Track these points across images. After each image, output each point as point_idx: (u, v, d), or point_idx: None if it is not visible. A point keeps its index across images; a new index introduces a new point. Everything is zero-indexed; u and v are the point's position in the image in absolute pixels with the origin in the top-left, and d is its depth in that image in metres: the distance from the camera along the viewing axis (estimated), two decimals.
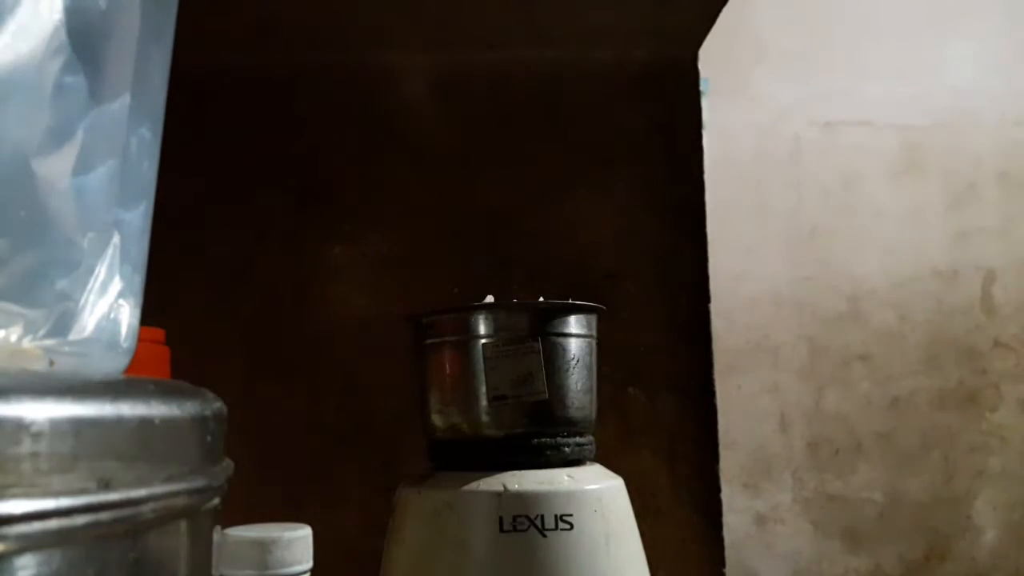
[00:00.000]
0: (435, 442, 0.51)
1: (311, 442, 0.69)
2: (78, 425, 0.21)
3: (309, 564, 0.36)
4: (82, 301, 0.27)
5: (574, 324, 0.49)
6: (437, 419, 0.50)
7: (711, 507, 0.71)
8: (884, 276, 1.47)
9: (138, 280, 0.32)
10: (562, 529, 0.43)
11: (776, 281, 1.45)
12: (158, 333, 0.51)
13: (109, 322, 0.29)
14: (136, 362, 0.33)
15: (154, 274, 0.34)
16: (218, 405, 0.29)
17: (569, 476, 0.46)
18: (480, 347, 0.48)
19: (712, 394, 0.72)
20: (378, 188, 0.73)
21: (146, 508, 0.23)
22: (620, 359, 0.71)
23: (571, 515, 0.43)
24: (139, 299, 0.32)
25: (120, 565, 0.22)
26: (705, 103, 0.77)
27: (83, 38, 0.27)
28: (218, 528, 0.30)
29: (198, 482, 0.26)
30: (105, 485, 0.21)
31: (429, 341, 0.50)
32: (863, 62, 1.49)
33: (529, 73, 0.75)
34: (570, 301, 0.49)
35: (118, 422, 0.22)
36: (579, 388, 0.49)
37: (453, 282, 0.71)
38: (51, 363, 0.26)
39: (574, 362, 0.48)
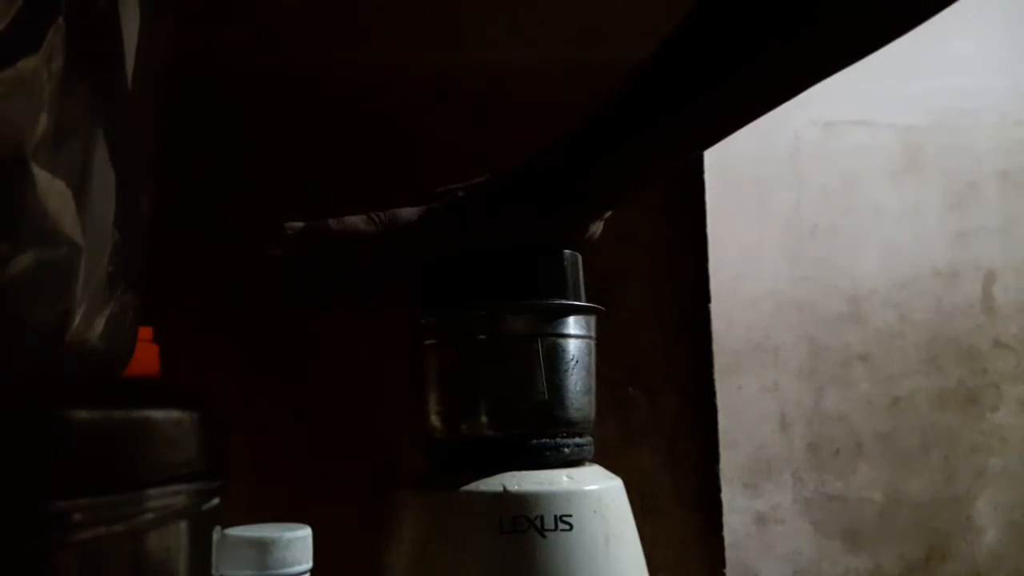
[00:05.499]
0: (434, 443, 0.51)
1: (311, 442, 0.69)
2: (77, 426, 0.21)
3: (309, 564, 0.36)
4: (82, 301, 0.27)
5: (573, 324, 0.49)
6: (436, 420, 0.50)
7: (711, 507, 0.71)
8: (884, 276, 1.47)
9: (138, 281, 0.32)
10: (561, 530, 0.43)
11: (776, 281, 1.45)
12: (146, 331, 0.50)
13: (109, 322, 0.29)
14: (136, 362, 0.33)
15: (154, 275, 0.34)
16: (218, 406, 0.29)
17: (569, 477, 0.46)
18: (480, 347, 0.48)
19: (712, 394, 0.72)
20: (377, 188, 0.73)
21: (146, 508, 0.23)
22: (620, 359, 0.71)
23: (570, 516, 0.43)
24: (139, 299, 0.32)
25: (120, 565, 0.22)
26: None
27: (83, 38, 0.27)
28: (218, 528, 0.30)
29: (198, 482, 0.26)
30: (105, 485, 0.22)
31: (428, 341, 0.50)
32: (863, 62, 1.49)
33: (529, 73, 0.75)
34: (570, 301, 0.49)
35: (118, 423, 0.23)
36: (578, 388, 0.48)
37: None
38: (50, 363, 0.26)
39: (573, 363, 0.48)
